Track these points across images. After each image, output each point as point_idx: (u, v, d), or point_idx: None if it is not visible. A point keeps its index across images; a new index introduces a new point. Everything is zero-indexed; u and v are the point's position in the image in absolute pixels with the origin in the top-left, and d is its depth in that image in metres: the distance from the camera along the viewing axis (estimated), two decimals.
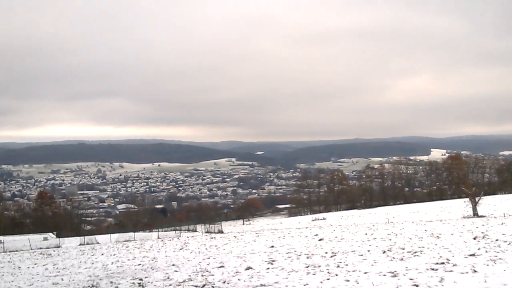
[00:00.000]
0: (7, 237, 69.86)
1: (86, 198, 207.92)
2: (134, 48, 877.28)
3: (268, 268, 16.87)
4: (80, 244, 50.67)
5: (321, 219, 71.93)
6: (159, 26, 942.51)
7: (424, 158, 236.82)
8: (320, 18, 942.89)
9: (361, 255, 18.36)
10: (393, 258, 16.69)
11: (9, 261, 33.80)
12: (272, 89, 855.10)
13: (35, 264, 29.44)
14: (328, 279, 13.59)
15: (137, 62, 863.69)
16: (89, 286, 16.94)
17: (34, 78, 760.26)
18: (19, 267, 28.14)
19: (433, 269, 13.59)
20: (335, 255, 18.90)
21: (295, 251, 22.08)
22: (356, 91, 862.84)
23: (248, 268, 17.21)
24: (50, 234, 76.96)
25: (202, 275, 16.65)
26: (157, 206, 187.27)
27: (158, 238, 51.89)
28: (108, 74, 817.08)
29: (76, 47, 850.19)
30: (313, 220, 71.16)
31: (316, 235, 31.72)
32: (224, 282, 14.71)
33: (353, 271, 14.59)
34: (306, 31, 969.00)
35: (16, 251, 47.90)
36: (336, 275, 14.11)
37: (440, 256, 15.96)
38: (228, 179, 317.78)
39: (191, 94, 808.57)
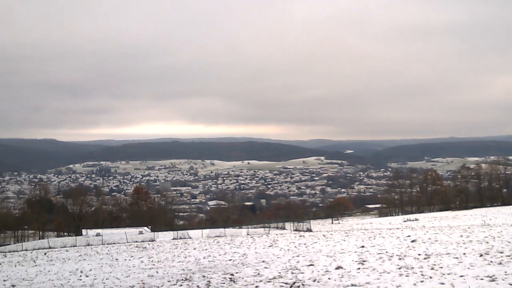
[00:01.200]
0: (106, 230, 73.39)
1: (179, 194, 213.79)
2: (224, 48, 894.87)
3: (358, 268, 16.61)
4: (173, 239, 52.16)
5: (413, 220, 69.91)
6: (248, 25, 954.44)
7: None
8: (412, 14, 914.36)
9: (457, 258, 17.65)
10: (491, 261, 15.91)
11: (107, 253, 35.42)
12: (362, 87, 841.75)
13: (132, 256, 30.63)
14: (421, 281, 13.19)
15: (228, 62, 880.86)
16: (182, 279, 17.39)
17: (131, 79, 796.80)
18: (117, 259, 29.39)
19: None
20: (429, 257, 18.29)
21: (386, 252, 21.60)
22: (451, 88, 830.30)
23: (338, 268, 17.03)
24: (145, 228, 79.78)
25: (292, 273, 16.66)
26: (247, 203, 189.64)
27: (248, 234, 52.50)
28: (200, 74, 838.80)
29: (170, 48, 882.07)
30: (404, 221, 69.30)
31: (409, 236, 30.86)
32: (314, 281, 14.63)
33: (448, 274, 14.06)
34: (398, 27, 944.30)
35: (114, 243, 50.15)
36: (430, 277, 13.66)
37: None
38: (317, 178, 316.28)
39: (280, 92, 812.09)
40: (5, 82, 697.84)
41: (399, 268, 15.88)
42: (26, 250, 49.63)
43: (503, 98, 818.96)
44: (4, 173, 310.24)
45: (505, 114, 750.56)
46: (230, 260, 23.40)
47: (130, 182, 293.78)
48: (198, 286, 15.62)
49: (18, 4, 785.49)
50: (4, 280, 22.32)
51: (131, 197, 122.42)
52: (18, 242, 76.88)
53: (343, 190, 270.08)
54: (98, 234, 64.86)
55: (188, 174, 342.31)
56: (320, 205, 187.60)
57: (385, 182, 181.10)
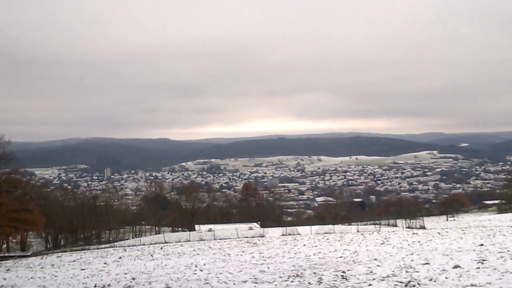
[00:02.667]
0: (217, 226, 75.36)
1: (286, 190, 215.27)
2: (331, 43, 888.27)
3: (478, 268, 15.80)
4: (282, 235, 52.45)
5: None
6: (352, 19, 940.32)
7: None
8: None
9: None
10: None
11: (219, 248, 36.31)
12: (475, 76, 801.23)
13: (243, 252, 31.16)
14: None
15: (335, 56, 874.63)
16: (293, 276, 17.40)
17: (240, 78, 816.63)
18: (229, 254, 30.02)
19: None
20: None
21: (508, 250, 20.38)
22: None
23: (456, 267, 16.29)
24: (255, 224, 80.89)
25: (406, 271, 16.15)
26: (355, 200, 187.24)
27: (358, 231, 51.68)
28: (307, 70, 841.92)
29: (277, 46, 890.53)
30: None
31: None
32: (431, 280, 14.08)
33: None
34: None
35: (225, 239, 51.31)
36: None
37: None
38: (429, 173, 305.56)
39: (389, 85, 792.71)
40: (125, 85, 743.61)
41: None
42: (144, 244, 51.99)
43: None
44: (123, 171, 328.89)
45: None
46: (340, 257, 23.15)
47: (239, 179, 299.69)
48: (309, 282, 15.55)
49: (137, 6, 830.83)
50: (125, 273, 23.50)
51: (240, 193, 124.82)
52: (136, 237, 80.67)
53: (458, 185, 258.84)
54: (210, 230, 66.59)
55: (295, 170, 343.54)
56: (434, 201, 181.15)
57: (504, 176, 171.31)
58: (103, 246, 59.33)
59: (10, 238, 73.66)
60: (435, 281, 13.87)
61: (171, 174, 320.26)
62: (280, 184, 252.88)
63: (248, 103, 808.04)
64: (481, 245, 24.16)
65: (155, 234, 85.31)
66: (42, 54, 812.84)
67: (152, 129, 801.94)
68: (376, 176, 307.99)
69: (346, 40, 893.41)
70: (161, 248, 42.28)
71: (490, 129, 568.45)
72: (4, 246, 74.48)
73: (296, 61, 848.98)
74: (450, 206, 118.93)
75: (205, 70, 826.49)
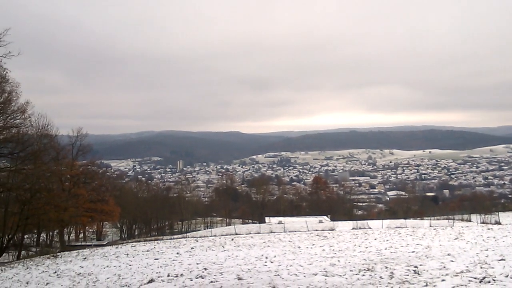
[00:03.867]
0: (287, 218, 75.67)
1: (357, 184, 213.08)
2: (408, 37, 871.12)
3: None
4: (352, 228, 52.10)
5: None
6: (433, 12, 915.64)
7: None
8: None
9: None
10: None
11: (289, 241, 36.54)
12: None
13: (313, 244, 31.26)
14: None
15: (411, 50, 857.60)
16: (364, 269, 17.41)
17: (312, 71, 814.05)
18: (299, 247, 30.21)
19: None
20: None
21: None
22: None
23: None
24: (325, 217, 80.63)
25: (481, 267, 15.83)
26: (428, 194, 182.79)
27: (430, 226, 50.62)
28: (381, 63, 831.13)
29: (355, 39, 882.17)
30: None
31: None
32: (507, 276, 13.76)
33: None
34: None
35: (295, 231, 51.49)
36: None
37: None
38: (506, 167, 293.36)
39: (466, 78, 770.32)
40: (200, 80, 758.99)
41: None
42: (215, 235, 52.92)
43: None
44: (195, 164, 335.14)
45: None
46: (412, 252, 22.88)
47: (309, 172, 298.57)
48: (381, 277, 15.54)
49: (217, 2, 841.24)
50: (197, 263, 24.12)
51: (310, 186, 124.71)
52: (207, 228, 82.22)
53: None
54: (280, 222, 66.95)
55: (366, 164, 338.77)
56: (510, 196, 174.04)
57: None
58: (175, 236, 60.73)
59: (86, 227, 76.87)
60: (511, 278, 13.55)
61: (241, 167, 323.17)
62: (350, 178, 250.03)
63: (320, 96, 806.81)
64: None
65: (226, 225, 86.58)
66: (119, 49, 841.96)
67: (224, 122, 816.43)
68: (450, 170, 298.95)
69: (428, 35, 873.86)
70: (232, 239, 42.91)
71: None
72: (81, 235, 77.90)
73: (375, 54, 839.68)
74: None
75: (281, 64, 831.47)
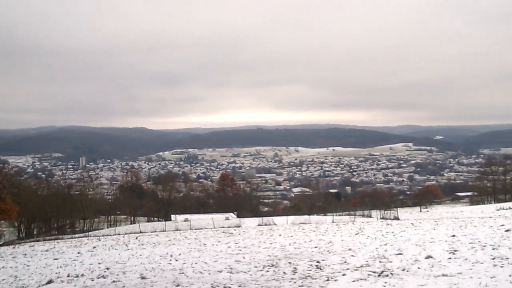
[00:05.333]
0: (193, 216, 75.27)
1: (263, 181, 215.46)
2: (317, 36, 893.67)
3: (449, 258, 16.08)
4: (258, 225, 52.67)
5: (507, 209, 66.82)
6: (339, 11, 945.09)
7: None
8: None
9: None
10: None
11: (195, 238, 36.32)
12: (455, 71, 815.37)
13: (219, 242, 31.23)
14: None
15: (319, 50, 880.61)
16: (268, 265, 17.52)
17: (224, 69, 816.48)
18: (205, 244, 30.06)
19: None
20: None
21: (479, 241, 20.73)
22: None
23: (428, 257, 16.55)
24: (231, 214, 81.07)
25: (380, 261, 16.37)
26: (331, 190, 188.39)
27: (333, 222, 52.17)
28: (289, 62, 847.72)
29: (263, 38, 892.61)
30: (497, 210, 66.36)
31: (502, 225, 29.49)
32: (403, 270, 14.29)
33: None
34: (497, 10, 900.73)
35: (201, 229, 51.35)
36: None
37: None
38: (404, 165, 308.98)
39: (370, 78, 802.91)
40: (108, 74, 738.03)
41: (493, 259, 15.21)
42: (119, 234, 51.77)
43: None
44: (98, 160, 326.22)
45: None
46: (315, 247, 23.34)
47: (216, 169, 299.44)
48: (284, 272, 15.68)
49: None
50: (99, 263, 23.39)
51: (218, 183, 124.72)
52: (111, 227, 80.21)
53: (432, 177, 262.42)
54: (186, 220, 66.55)
55: (273, 161, 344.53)
56: (408, 193, 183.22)
57: (476, 169, 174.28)
58: (77, 235, 58.90)
59: None
60: (407, 271, 14.08)
61: (147, 164, 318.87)
62: (257, 175, 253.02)
63: (229, 94, 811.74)
64: (453, 236, 24.54)
65: (131, 224, 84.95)
66: (19, 41, 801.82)
67: (132, 118, 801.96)
68: (352, 167, 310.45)
69: (334, 34, 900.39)
70: (136, 238, 42.13)
71: (464, 122, 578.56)
72: None
73: (283, 53, 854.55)
74: (424, 198, 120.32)
75: (192, 60, 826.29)
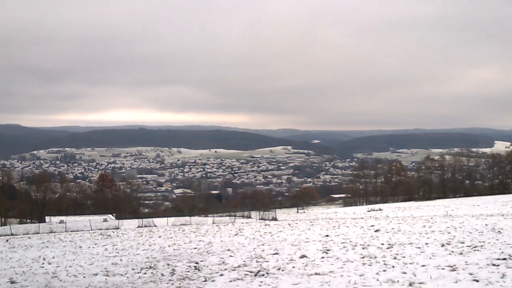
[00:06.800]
0: (69, 217, 72.55)
1: (144, 182, 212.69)
2: (201, 38, 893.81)
3: (323, 257, 16.76)
4: (138, 226, 51.86)
5: (377, 210, 70.90)
6: (226, 15, 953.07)
7: (487, 150, 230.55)
8: (389, 8, 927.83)
9: (419, 247, 17.96)
10: (452, 252, 16.24)
11: (71, 241, 34.99)
12: (333, 78, 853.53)
13: (95, 244, 30.32)
14: (384, 270, 13.37)
15: (203, 51, 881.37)
16: (147, 267, 17.30)
17: (103, 65, 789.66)
18: (80, 247, 29.04)
19: (494, 265, 13.12)
20: (392, 247, 18.57)
21: (350, 241, 21.84)
22: (419, 80, 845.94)
23: (303, 256, 17.15)
24: (110, 215, 79.20)
25: (257, 261, 16.72)
26: (213, 192, 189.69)
27: (213, 223, 52.51)
28: (174, 63, 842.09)
29: (146, 37, 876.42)
30: (369, 211, 70.25)
31: (372, 226, 31.27)
32: (279, 269, 14.71)
33: (410, 263, 14.28)
34: (375, 20, 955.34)
35: (78, 231, 49.56)
36: (393, 266, 13.86)
37: (502, 252, 15.37)
38: (284, 167, 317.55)
39: (252, 82, 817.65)
40: None
41: (363, 257, 16.07)
42: None
43: (469, 91, 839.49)
44: None
45: (470, 107, 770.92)
46: (195, 248, 23.36)
47: (95, 169, 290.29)
48: (162, 274, 15.55)
49: None
50: None
51: (96, 184, 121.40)
52: None
53: (309, 179, 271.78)
54: (61, 221, 64.12)
55: (155, 162, 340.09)
56: (286, 194, 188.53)
57: (350, 172, 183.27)
58: None
59: None
60: (282, 270, 14.51)
61: (21, 163, 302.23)
62: (138, 176, 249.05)
63: (112, 92, 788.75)
64: (327, 236, 25.60)
65: (1, 225, 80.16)
66: None
67: (4, 114, 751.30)
68: (234, 169, 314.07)
69: (221, 38, 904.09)
70: (7, 240, 39.78)
71: (340, 127, 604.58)
72: None
73: (168, 53, 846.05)
74: (301, 199, 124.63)
75: (72, 55, 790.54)
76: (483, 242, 18.58)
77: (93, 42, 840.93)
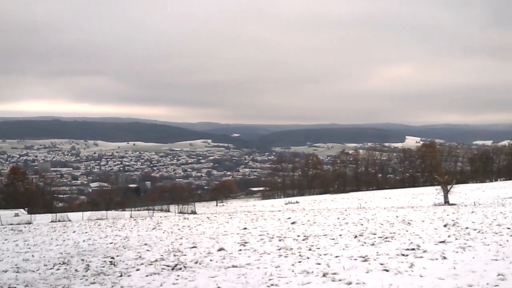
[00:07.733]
0: None
1: (59, 175, 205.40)
2: (123, 29, 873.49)
3: (240, 250, 16.90)
4: (51, 221, 50.26)
5: (294, 203, 72.38)
6: (151, 7, 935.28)
7: (399, 145, 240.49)
8: (313, 7, 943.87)
9: (333, 239, 18.48)
10: (364, 243, 16.83)
11: None
12: (254, 73, 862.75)
13: (5, 240, 29.05)
14: (299, 261, 13.66)
15: (126, 43, 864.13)
16: (60, 263, 16.78)
17: (18, 54, 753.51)
18: None
19: (403, 255, 13.72)
20: (307, 239, 19.00)
21: (267, 233, 22.14)
22: (338, 77, 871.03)
23: (221, 249, 17.22)
24: (22, 210, 76.18)
25: (174, 255, 16.62)
26: (131, 185, 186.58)
27: (131, 217, 51.69)
28: (93, 53, 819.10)
29: (63, 26, 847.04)
30: (286, 204, 71.58)
31: (289, 218, 31.86)
32: (196, 263, 14.69)
33: (325, 254, 14.68)
34: (299, 19, 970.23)
35: None
36: (308, 258, 14.19)
37: (411, 242, 16.13)
38: (203, 161, 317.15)
39: (174, 75, 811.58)
40: None
41: (279, 249, 16.35)
42: None
43: (383, 88, 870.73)
44: None
45: (384, 103, 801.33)
46: (111, 243, 22.90)
47: (6, 162, 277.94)
48: (76, 270, 15.13)
49: None
50: None
51: (7, 177, 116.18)
52: None
53: (228, 173, 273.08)
54: None
55: (70, 154, 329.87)
56: (206, 187, 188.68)
57: (269, 165, 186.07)
58: None
59: None
60: (200, 264, 14.50)
61: None
62: (52, 169, 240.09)
63: (24, 82, 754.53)
64: (245, 228, 25.84)
65: None
66: None
67: None
68: (153, 162, 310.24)
69: (144, 30, 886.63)
70: None
71: (260, 121, 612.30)
72: None
73: (83, 44, 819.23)
74: (220, 192, 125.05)
75: None
76: (394, 233, 19.39)
77: (8, 29, 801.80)
